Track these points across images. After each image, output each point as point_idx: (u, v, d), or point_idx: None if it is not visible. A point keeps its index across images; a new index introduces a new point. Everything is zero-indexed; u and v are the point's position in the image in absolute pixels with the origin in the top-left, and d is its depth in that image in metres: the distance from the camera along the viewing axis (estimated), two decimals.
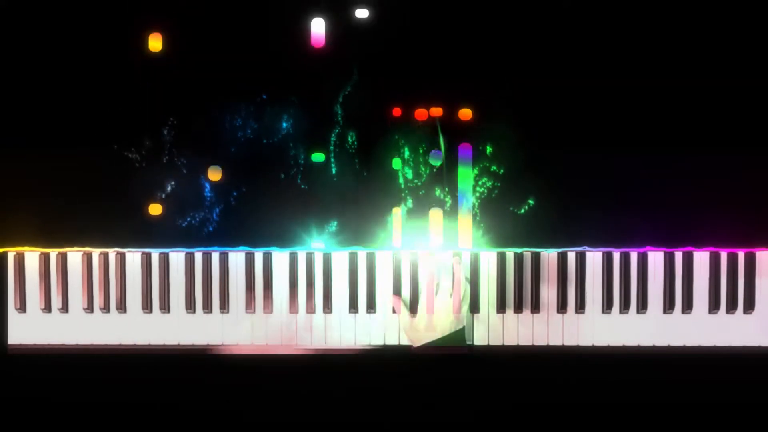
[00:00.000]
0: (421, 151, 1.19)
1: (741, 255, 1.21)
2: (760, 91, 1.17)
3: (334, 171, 1.18)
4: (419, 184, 1.19)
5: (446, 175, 1.19)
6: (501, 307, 1.22)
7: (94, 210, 1.18)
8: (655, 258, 1.22)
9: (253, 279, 1.22)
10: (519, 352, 1.22)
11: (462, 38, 1.18)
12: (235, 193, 1.19)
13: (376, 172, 1.19)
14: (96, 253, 1.22)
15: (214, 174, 1.18)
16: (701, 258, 1.22)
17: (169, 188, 1.19)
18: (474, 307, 1.22)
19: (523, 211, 1.19)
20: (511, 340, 1.22)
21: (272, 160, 1.18)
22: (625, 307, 1.21)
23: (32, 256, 1.22)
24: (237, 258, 1.22)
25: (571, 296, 1.22)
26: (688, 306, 1.21)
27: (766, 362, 1.18)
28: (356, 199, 1.19)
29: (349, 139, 1.18)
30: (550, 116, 1.18)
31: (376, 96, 1.17)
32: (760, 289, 1.22)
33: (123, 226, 1.19)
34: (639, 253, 1.22)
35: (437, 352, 1.17)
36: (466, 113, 1.18)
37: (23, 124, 1.18)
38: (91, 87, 1.18)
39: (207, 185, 1.19)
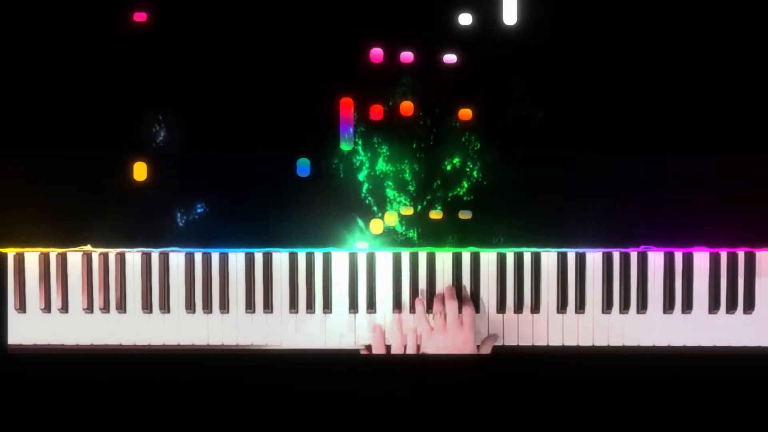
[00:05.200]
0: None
1: (741, 255, 1.21)
2: (760, 92, 1.17)
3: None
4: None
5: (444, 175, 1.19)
6: (501, 307, 1.22)
7: (94, 210, 1.18)
8: (655, 258, 1.22)
9: (253, 279, 1.22)
10: (519, 352, 1.22)
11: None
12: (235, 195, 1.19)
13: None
14: (96, 253, 1.22)
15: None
16: (701, 258, 1.22)
17: (168, 188, 1.19)
18: (474, 307, 1.22)
19: (522, 211, 1.19)
20: (511, 340, 1.22)
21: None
22: (625, 307, 1.21)
23: (32, 256, 1.22)
24: (237, 258, 1.22)
25: (571, 296, 1.22)
26: (688, 306, 1.21)
27: (766, 362, 1.18)
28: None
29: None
30: (550, 116, 1.18)
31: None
32: (760, 289, 1.22)
33: (123, 226, 1.19)
34: (639, 253, 1.22)
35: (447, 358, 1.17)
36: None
37: (23, 124, 1.18)
38: (92, 87, 1.18)
39: (206, 186, 1.19)
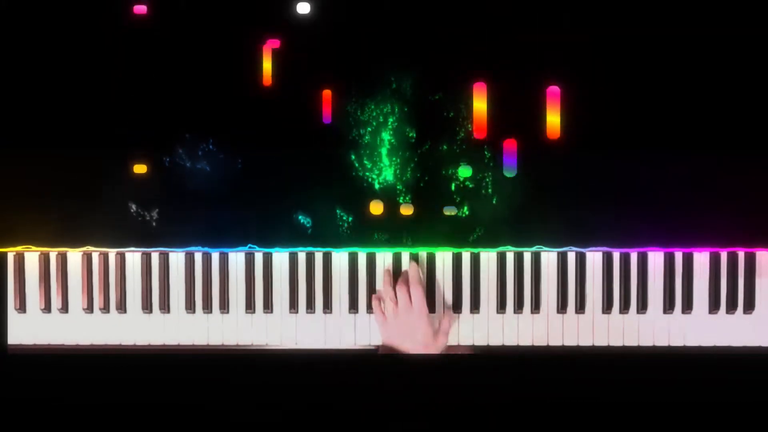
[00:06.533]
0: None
1: (741, 255, 1.21)
2: (760, 92, 1.17)
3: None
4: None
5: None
6: (501, 307, 1.22)
7: (94, 210, 1.18)
8: (655, 258, 1.22)
9: (253, 279, 1.22)
10: (519, 352, 1.22)
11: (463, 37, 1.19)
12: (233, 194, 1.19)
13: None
14: (96, 253, 1.22)
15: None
16: (701, 258, 1.22)
17: (169, 188, 1.19)
18: (474, 307, 1.22)
19: (522, 211, 1.19)
20: (511, 340, 1.22)
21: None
22: (625, 307, 1.21)
23: (32, 256, 1.22)
24: (237, 258, 1.22)
25: (571, 296, 1.22)
26: (688, 306, 1.22)
27: (766, 362, 1.19)
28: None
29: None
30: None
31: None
32: (760, 289, 1.22)
33: (123, 226, 1.19)
34: (639, 253, 1.22)
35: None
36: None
37: (23, 124, 1.18)
38: (92, 87, 1.18)
39: (206, 185, 1.19)
